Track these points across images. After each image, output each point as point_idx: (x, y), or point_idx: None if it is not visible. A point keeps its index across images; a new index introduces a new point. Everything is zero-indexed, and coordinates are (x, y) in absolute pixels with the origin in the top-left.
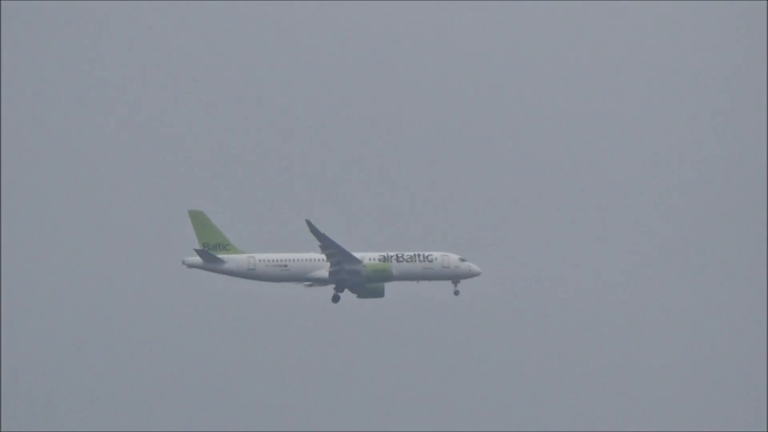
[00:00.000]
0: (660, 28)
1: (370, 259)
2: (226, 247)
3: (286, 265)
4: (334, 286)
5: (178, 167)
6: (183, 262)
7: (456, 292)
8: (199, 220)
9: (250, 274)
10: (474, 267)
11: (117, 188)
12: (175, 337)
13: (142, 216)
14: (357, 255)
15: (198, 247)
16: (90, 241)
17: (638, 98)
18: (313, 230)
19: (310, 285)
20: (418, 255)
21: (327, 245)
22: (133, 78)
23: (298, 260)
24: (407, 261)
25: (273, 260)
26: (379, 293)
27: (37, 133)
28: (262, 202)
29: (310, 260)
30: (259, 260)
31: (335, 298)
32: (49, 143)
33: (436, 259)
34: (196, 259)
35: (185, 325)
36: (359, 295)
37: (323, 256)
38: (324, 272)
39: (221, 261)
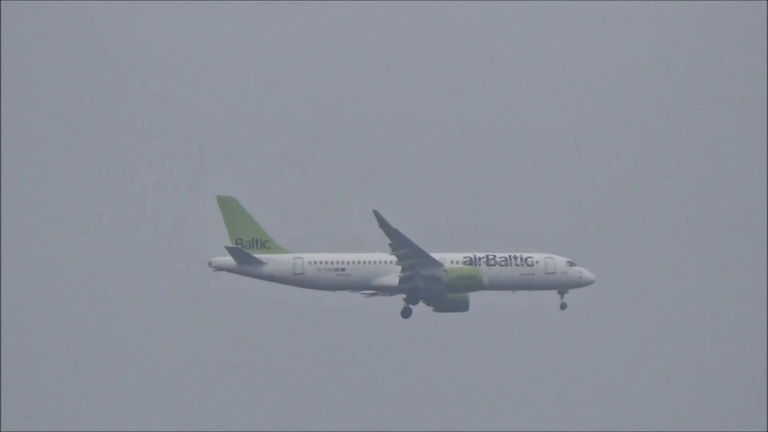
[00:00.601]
0: (660, 27)
1: (452, 262)
2: (265, 244)
3: (343, 269)
4: (404, 296)
5: (204, 143)
6: (209, 264)
7: (563, 306)
8: (230, 208)
9: (296, 279)
10: (587, 273)
11: (128, 170)
12: (200, 361)
13: (158, 204)
14: (435, 256)
15: (230, 243)
16: (94, 237)
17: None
18: (383, 224)
19: (372, 294)
20: (515, 257)
21: (400, 244)
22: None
23: (359, 263)
24: (501, 265)
25: (327, 262)
26: (463, 306)
27: (48, 113)
28: (311, 188)
29: (375, 263)
30: (309, 262)
31: (406, 312)
32: (67, 118)
33: (537, 262)
34: (227, 259)
35: (213, 345)
36: (436, 308)
37: (392, 258)
38: (393, 278)
39: (259, 262)
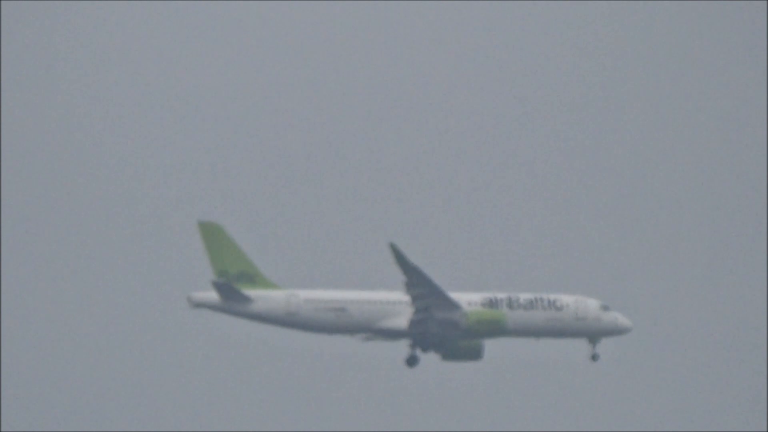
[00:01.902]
0: (660, 27)
1: (468, 304)
2: (253, 278)
3: (343, 309)
4: (410, 342)
5: (186, 160)
6: (189, 300)
7: (594, 357)
8: (214, 236)
9: (289, 320)
10: (622, 319)
11: (97, 190)
12: (179, 416)
13: (131, 228)
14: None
15: (212, 276)
16: (54, 267)
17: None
18: (400, 260)
19: (369, 338)
20: (541, 299)
21: (417, 282)
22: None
23: (362, 302)
24: (524, 308)
25: (324, 300)
26: (476, 354)
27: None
28: (306, 215)
29: (381, 302)
30: (305, 300)
31: (412, 361)
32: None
33: (567, 305)
34: (209, 295)
35: (192, 398)
36: (445, 357)
37: (400, 298)
38: (400, 321)
39: (247, 299)
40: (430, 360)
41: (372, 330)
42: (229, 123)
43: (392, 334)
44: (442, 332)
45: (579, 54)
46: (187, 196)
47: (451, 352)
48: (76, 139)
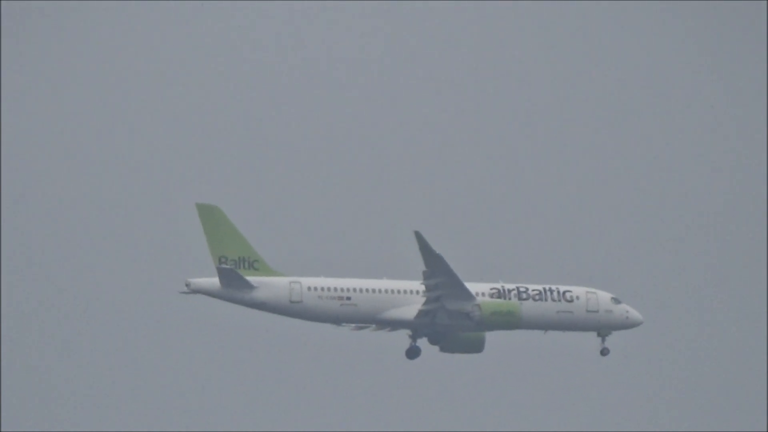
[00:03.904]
0: (659, 27)
1: (478, 295)
2: (254, 264)
3: (349, 298)
4: (409, 332)
5: (185, 141)
6: (187, 285)
7: (604, 351)
8: (213, 219)
9: (292, 308)
10: (634, 313)
11: (97, 172)
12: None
13: (127, 211)
14: None
15: (211, 261)
16: (49, 249)
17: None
18: (424, 247)
19: (361, 327)
20: (551, 290)
21: (437, 272)
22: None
23: (368, 291)
24: (534, 299)
25: (330, 288)
26: (477, 347)
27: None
28: (307, 198)
29: (387, 291)
30: (309, 288)
31: (413, 352)
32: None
33: (578, 297)
34: (209, 280)
35: (190, 388)
36: (444, 348)
37: (405, 287)
38: (407, 311)
39: (250, 286)
40: (428, 352)
41: (377, 320)
42: (232, 106)
43: (398, 325)
44: (452, 323)
45: (598, 46)
46: (185, 177)
47: (450, 344)
48: (75, 124)
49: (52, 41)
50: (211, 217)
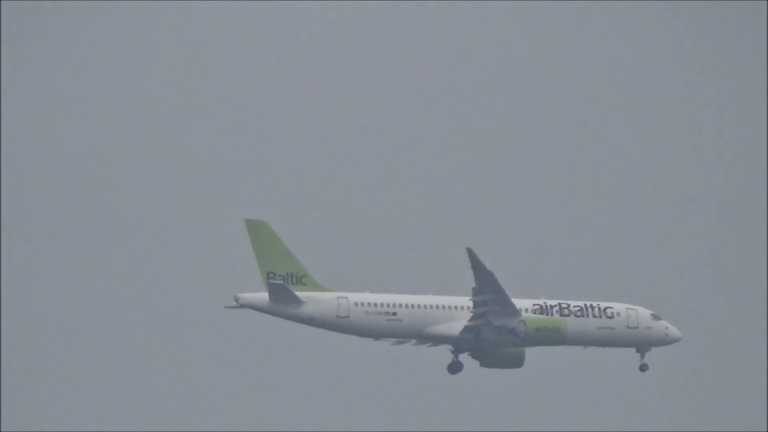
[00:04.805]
0: (659, 27)
1: (521, 311)
2: (301, 279)
3: (395, 313)
4: (451, 347)
5: (234, 157)
6: (236, 300)
7: (643, 367)
8: (261, 234)
9: (339, 323)
10: (673, 329)
11: (142, 185)
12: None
13: (176, 227)
14: None
15: (259, 276)
16: (94, 264)
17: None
18: (476, 264)
19: (401, 342)
20: (591, 306)
21: (486, 288)
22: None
23: (413, 306)
24: (576, 315)
25: (376, 304)
26: (518, 362)
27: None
28: (351, 214)
29: (431, 307)
30: (356, 303)
31: (455, 367)
32: (78, 127)
33: (618, 314)
34: (258, 295)
35: (231, 401)
36: (484, 363)
37: (449, 303)
38: (452, 327)
39: (298, 301)
40: (470, 367)
41: (422, 336)
42: (280, 122)
43: (437, 339)
44: (496, 339)
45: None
46: (233, 193)
47: (491, 359)
48: (124, 138)
49: (52, 41)
50: (259, 232)
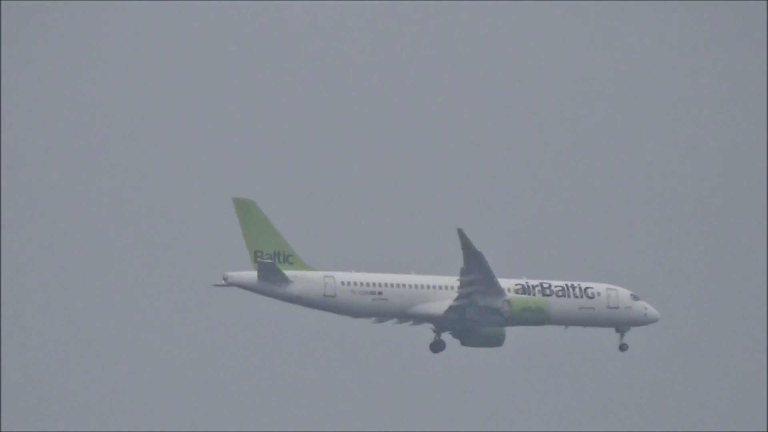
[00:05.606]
0: (659, 27)
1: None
2: (288, 258)
3: (380, 293)
4: (433, 326)
5: (221, 137)
6: (225, 279)
7: (623, 347)
8: (248, 213)
9: (326, 302)
10: (651, 309)
11: (131, 167)
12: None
13: (164, 207)
14: None
15: (246, 254)
16: (87, 243)
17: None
18: (466, 245)
19: (379, 321)
20: (573, 287)
21: (475, 269)
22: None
23: (399, 286)
24: (557, 295)
25: (363, 283)
26: (498, 341)
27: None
28: (339, 194)
29: (416, 287)
30: (342, 282)
31: (438, 346)
32: (68, 115)
33: (599, 294)
34: (246, 274)
35: (221, 382)
36: (464, 342)
37: (433, 282)
38: (437, 306)
39: (286, 280)
40: (451, 345)
41: (408, 315)
42: (267, 102)
43: (429, 320)
44: (481, 319)
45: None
46: (221, 172)
47: (471, 338)
48: (112, 118)
49: (52, 41)
50: (247, 211)
